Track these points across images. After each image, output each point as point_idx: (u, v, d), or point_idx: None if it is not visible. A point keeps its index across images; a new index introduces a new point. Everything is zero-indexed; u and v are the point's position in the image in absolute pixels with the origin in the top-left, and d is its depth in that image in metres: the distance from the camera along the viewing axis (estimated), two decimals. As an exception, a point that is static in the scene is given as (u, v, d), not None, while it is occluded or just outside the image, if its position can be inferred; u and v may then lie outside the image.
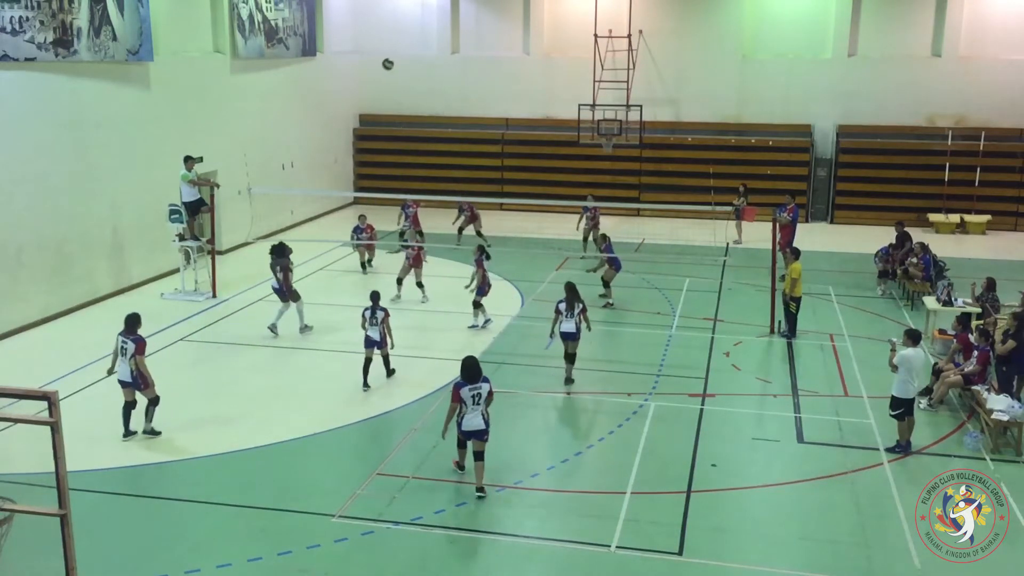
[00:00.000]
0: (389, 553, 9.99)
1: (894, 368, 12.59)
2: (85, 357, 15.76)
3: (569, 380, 14.88)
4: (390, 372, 15.07)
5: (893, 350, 12.73)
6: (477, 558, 9.99)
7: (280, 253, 17.50)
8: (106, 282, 19.65)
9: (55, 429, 6.11)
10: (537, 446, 12.74)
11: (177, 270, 20.15)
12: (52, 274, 18.14)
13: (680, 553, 10.00)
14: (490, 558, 10.02)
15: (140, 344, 12.42)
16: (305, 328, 17.41)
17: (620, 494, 11.26)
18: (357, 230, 22.02)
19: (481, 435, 11.18)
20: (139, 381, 12.44)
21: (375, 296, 15.01)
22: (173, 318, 18.13)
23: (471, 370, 11.18)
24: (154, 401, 12.65)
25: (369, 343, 14.64)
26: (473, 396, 11.09)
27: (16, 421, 6.67)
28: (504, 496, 11.26)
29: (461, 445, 11.60)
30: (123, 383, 12.55)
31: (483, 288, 17.72)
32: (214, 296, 19.66)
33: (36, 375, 14.71)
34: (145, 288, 20.41)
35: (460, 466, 11.70)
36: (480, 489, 11.14)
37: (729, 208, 25.11)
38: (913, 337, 12.72)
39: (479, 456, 11.19)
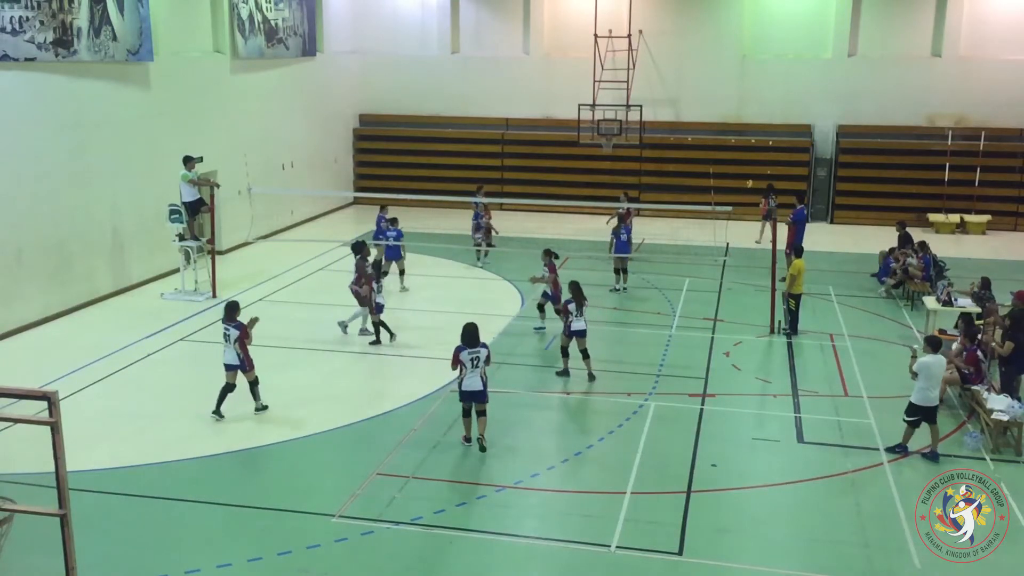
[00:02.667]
0: (389, 553, 9.99)
1: (914, 375, 12.45)
2: (85, 357, 15.79)
3: (592, 377, 15.02)
4: (391, 335, 16.77)
5: (914, 357, 12.60)
6: (477, 558, 9.98)
7: (358, 251, 17.53)
8: (106, 282, 19.65)
9: (55, 429, 6.12)
10: (537, 446, 12.73)
11: (177, 270, 20.15)
12: (52, 274, 18.14)
13: (680, 553, 10.00)
14: (490, 558, 10.01)
15: (243, 329, 13.28)
16: (345, 324, 17.55)
17: (620, 494, 11.26)
18: (381, 221, 21.49)
19: (479, 397, 12.24)
20: (245, 363, 13.36)
21: (377, 265, 17.13)
22: (173, 318, 18.13)
23: (471, 336, 12.25)
24: (255, 381, 13.57)
25: (379, 308, 16.67)
26: (472, 359, 12.13)
27: (16, 421, 6.67)
28: (504, 496, 11.27)
29: (466, 414, 12.45)
30: (228, 366, 13.44)
31: (554, 294, 17.12)
32: (214, 296, 19.65)
33: (36, 375, 14.71)
34: (145, 288, 20.41)
35: (467, 439, 12.51)
36: (481, 438, 12.32)
37: (729, 208, 24.99)
38: (933, 344, 12.60)
39: (481, 413, 12.35)
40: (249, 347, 13.39)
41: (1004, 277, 19.03)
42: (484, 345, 12.36)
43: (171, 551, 9.93)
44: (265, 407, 13.64)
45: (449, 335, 15.01)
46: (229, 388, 13.41)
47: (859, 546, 10.21)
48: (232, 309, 13.46)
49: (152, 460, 12.17)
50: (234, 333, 13.23)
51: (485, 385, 12.31)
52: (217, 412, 13.33)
